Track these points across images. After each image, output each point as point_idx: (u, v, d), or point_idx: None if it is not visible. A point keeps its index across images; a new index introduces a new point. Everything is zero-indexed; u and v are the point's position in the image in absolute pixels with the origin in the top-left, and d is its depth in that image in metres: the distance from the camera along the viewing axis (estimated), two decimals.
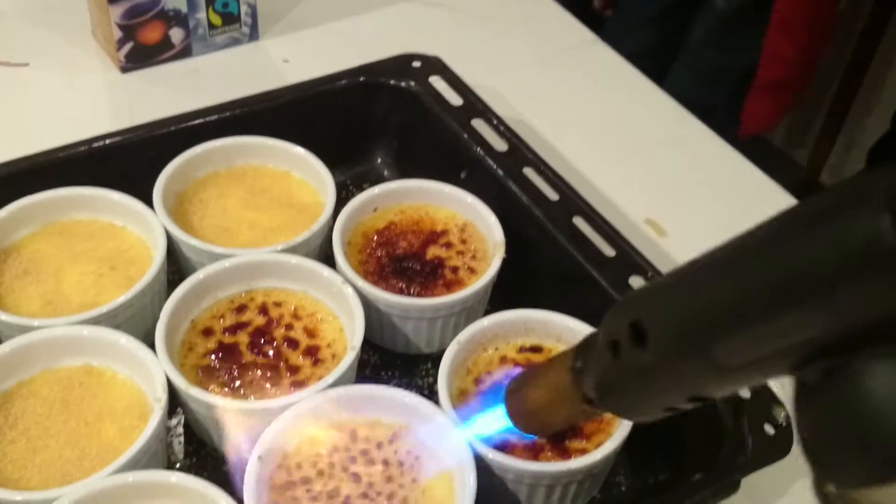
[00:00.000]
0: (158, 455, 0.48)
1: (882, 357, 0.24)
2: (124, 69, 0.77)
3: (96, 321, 0.51)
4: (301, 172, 0.63)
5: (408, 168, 0.68)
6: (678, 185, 0.72)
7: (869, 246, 0.23)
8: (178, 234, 0.56)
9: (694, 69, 1.35)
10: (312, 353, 0.52)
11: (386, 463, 0.47)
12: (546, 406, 0.41)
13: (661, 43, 1.40)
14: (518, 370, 0.52)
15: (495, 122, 0.64)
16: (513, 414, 0.44)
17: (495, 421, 0.48)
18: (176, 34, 0.77)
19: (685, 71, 1.36)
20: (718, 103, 1.35)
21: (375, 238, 0.59)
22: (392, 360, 0.58)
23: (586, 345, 0.38)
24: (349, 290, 0.53)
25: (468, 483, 0.45)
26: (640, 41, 1.40)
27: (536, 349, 0.53)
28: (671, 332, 0.30)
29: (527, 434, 0.46)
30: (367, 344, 0.58)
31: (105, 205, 0.58)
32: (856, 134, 1.58)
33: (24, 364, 0.49)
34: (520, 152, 0.62)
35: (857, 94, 1.55)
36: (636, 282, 0.54)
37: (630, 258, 0.55)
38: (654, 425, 0.48)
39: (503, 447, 0.47)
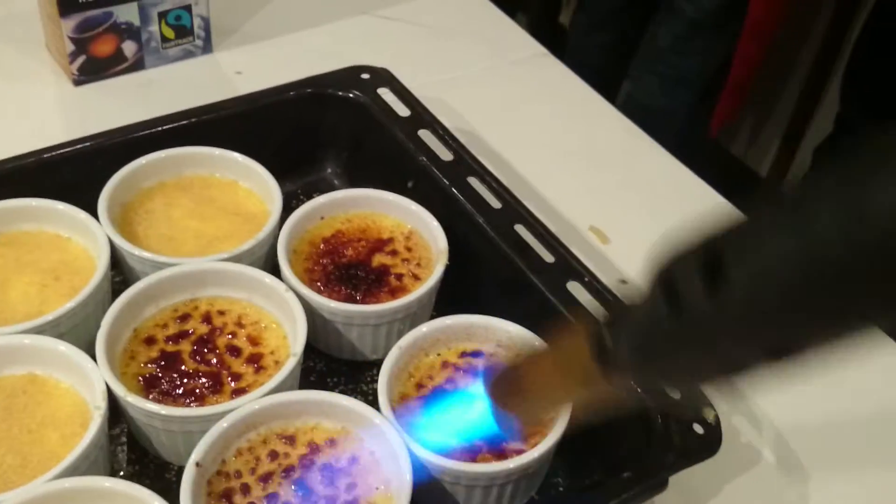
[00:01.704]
0: (99, 462, 0.48)
1: None
2: (77, 82, 0.78)
3: (39, 330, 0.51)
4: (248, 182, 0.63)
5: (357, 178, 0.69)
6: (622, 194, 0.73)
7: None
8: (122, 243, 0.56)
9: (660, 74, 1.38)
10: (255, 360, 0.53)
11: (325, 468, 0.48)
12: (551, 386, 0.36)
13: (622, 40, 1.44)
14: (460, 374, 0.53)
15: (441, 132, 0.65)
16: (499, 394, 0.41)
17: (434, 425, 0.49)
18: (128, 47, 0.78)
19: (651, 76, 1.39)
20: (681, 106, 1.39)
21: (322, 246, 0.60)
22: (338, 367, 0.59)
23: (613, 316, 0.33)
24: (292, 297, 0.54)
25: (405, 487, 0.45)
26: (603, 38, 1.44)
27: (477, 354, 0.54)
28: (769, 275, 0.24)
29: (507, 417, 0.43)
30: (313, 351, 0.58)
31: (51, 216, 0.58)
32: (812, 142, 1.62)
33: None
34: (464, 162, 0.63)
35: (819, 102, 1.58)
36: (574, 287, 0.55)
37: (568, 264, 0.56)
38: (590, 430, 0.49)
39: (440, 450, 0.48)
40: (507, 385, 0.43)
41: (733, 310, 0.25)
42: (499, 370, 0.42)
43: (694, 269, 0.26)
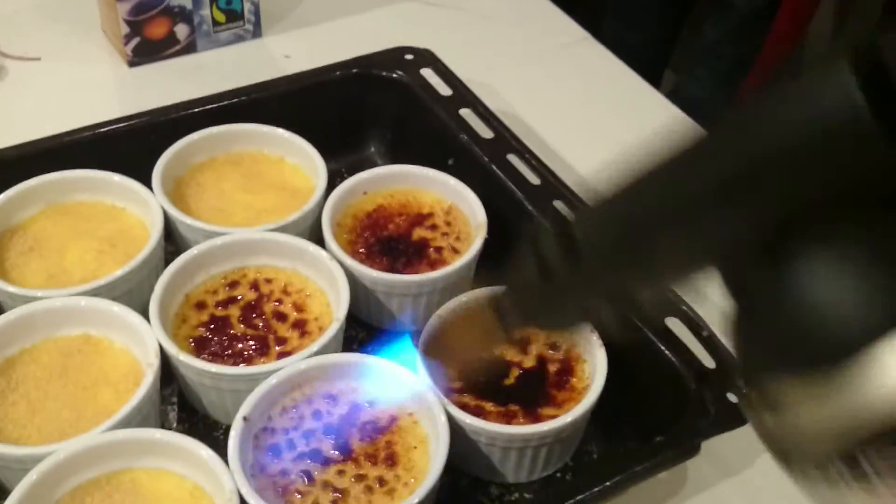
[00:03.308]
0: (151, 418, 0.51)
1: (814, 254, 0.24)
2: (131, 63, 0.80)
3: (95, 293, 0.54)
4: (294, 158, 0.65)
5: (399, 157, 0.70)
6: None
7: (834, 114, 0.21)
8: (175, 213, 0.58)
9: (710, 67, 1.38)
10: (300, 326, 0.55)
11: (365, 427, 0.49)
12: (470, 342, 0.44)
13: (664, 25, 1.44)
14: None
15: (482, 110, 0.67)
16: (433, 356, 0.46)
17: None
18: (181, 30, 0.81)
19: (702, 69, 1.40)
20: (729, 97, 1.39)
21: (364, 220, 0.62)
22: (378, 336, 0.60)
23: (510, 280, 0.39)
24: (335, 265, 0.56)
25: (442, 445, 0.47)
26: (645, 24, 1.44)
27: None
28: (605, 237, 0.30)
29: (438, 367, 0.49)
30: (354, 321, 0.60)
31: (107, 187, 0.61)
32: None
33: (26, 332, 0.52)
34: (504, 139, 0.64)
35: None
36: None
37: None
38: (624, 397, 0.50)
39: (477, 412, 0.50)
40: (437, 342, 0.48)
41: (587, 262, 0.31)
42: (430, 332, 0.49)
43: (552, 240, 0.32)
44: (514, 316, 0.37)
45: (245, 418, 0.47)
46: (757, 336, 0.27)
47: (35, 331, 0.52)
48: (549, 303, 0.34)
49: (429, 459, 0.48)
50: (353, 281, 0.57)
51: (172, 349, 0.51)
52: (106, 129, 0.64)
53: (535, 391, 0.51)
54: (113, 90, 0.80)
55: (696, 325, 0.51)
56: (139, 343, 0.52)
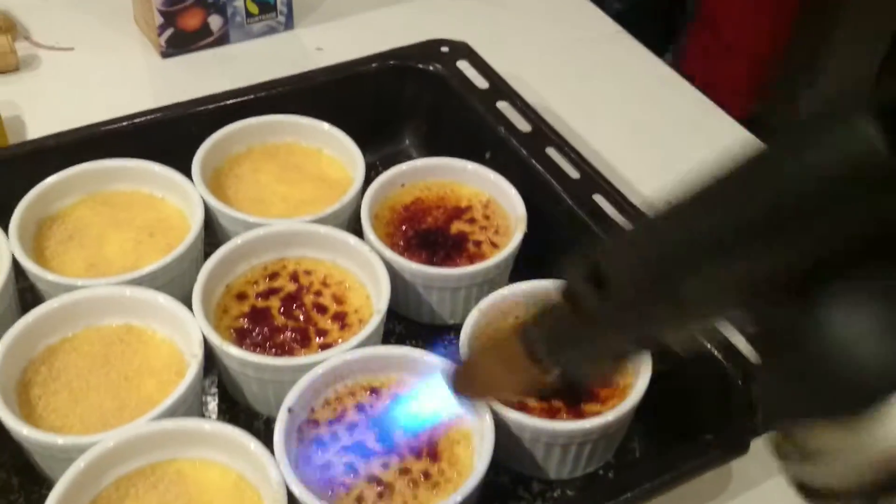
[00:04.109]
0: (194, 409, 0.51)
1: (841, 298, 0.24)
2: (165, 54, 0.80)
3: (137, 283, 0.54)
4: (332, 150, 0.65)
5: (435, 150, 0.70)
6: (696, 168, 0.73)
7: (857, 161, 0.22)
8: (216, 204, 0.58)
9: None
10: (340, 318, 0.55)
11: (408, 419, 0.49)
12: (499, 378, 0.41)
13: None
14: None
15: (520, 104, 0.66)
16: (461, 387, 0.45)
17: None
18: (214, 21, 0.81)
19: None
20: None
21: (402, 212, 0.62)
22: (417, 330, 0.60)
23: (536, 314, 0.38)
24: (375, 258, 0.56)
25: (487, 441, 0.47)
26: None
27: None
28: (636, 273, 0.30)
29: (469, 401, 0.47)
30: (394, 315, 0.60)
31: (147, 176, 0.61)
32: None
33: (68, 321, 0.52)
34: (543, 133, 0.64)
35: None
36: None
37: None
38: (668, 394, 0.50)
39: (520, 407, 0.49)
40: (464, 377, 0.45)
41: (615, 301, 0.31)
42: (457, 365, 0.47)
43: (583, 276, 0.31)
44: (541, 347, 0.36)
45: (290, 409, 0.47)
46: (784, 382, 0.27)
47: (77, 320, 0.52)
48: (572, 339, 0.34)
49: (472, 454, 0.48)
50: (392, 274, 0.56)
51: (216, 339, 0.50)
52: (144, 119, 0.63)
53: (578, 388, 0.51)
54: (146, 80, 0.80)
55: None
56: (182, 333, 0.52)
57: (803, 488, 0.26)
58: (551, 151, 0.63)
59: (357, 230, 0.60)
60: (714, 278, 0.27)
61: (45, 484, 0.50)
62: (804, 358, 0.25)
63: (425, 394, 0.49)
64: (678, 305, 0.29)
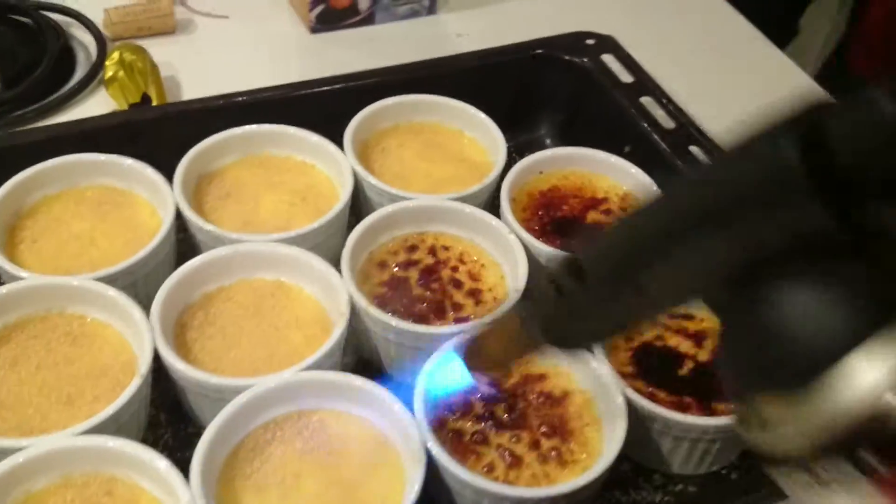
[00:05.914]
0: (336, 364, 0.53)
1: (783, 288, 0.28)
2: (313, 30, 0.84)
3: (290, 242, 0.57)
4: (473, 132, 0.67)
5: (570, 140, 0.71)
6: None
7: (776, 171, 0.27)
8: (366, 175, 0.61)
9: None
10: (475, 294, 0.57)
11: (538, 398, 0.51)
12: (502, 350, 0.45)
13: None
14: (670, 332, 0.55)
15: (665, 100, 0.67)
16: (471, 361, 0.48)
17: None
18: (363, 1, 0.83)
19: None
20: None
21: (539, 198, 0.63)
22: None
23: (532, 297, 0.43)
24: (514, 239, 0.57)
25: (619, 428, 0.48)
26: None
27: (688, 317, 0.56)
28: (604, 265, 0.34)
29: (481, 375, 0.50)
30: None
31: (302, 144, 0.64)
32: None
33: (224, 272, 0.56)
34: (687, 130, 0.64)
35: None
36: None
37: None
38: None
39: (651, 398, 0.50)
40: (473, 352, 0.48)
41: (590, 289, 0.35)
42: (468, 341, 0.50)
43: (566, 267, 0.36)
44: (532, 325, 0.41)
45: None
46: (738, 358, 0.31)
47: (233, 271, 0.56)
48: (559, 319, 0.38)
49: (602, 438, 0.49)
50: (528, 257, 0.58)
51: (362, 302, 0.53)
52: (301, 89, 0.67)
53: (710, 385, 0.51)
54: (293, 53, 0.84)
55: None
56: (329, 293, 0.54)
57: (762, 455, 0.30)
58: (695, 150, 0.63)
59: (492, 212, 0.61)
60: (668, 269, 0.32)
61: (191, 422, 0.54)
62: (754, 338, 0.30)
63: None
64: (641, 293, 0.33)
